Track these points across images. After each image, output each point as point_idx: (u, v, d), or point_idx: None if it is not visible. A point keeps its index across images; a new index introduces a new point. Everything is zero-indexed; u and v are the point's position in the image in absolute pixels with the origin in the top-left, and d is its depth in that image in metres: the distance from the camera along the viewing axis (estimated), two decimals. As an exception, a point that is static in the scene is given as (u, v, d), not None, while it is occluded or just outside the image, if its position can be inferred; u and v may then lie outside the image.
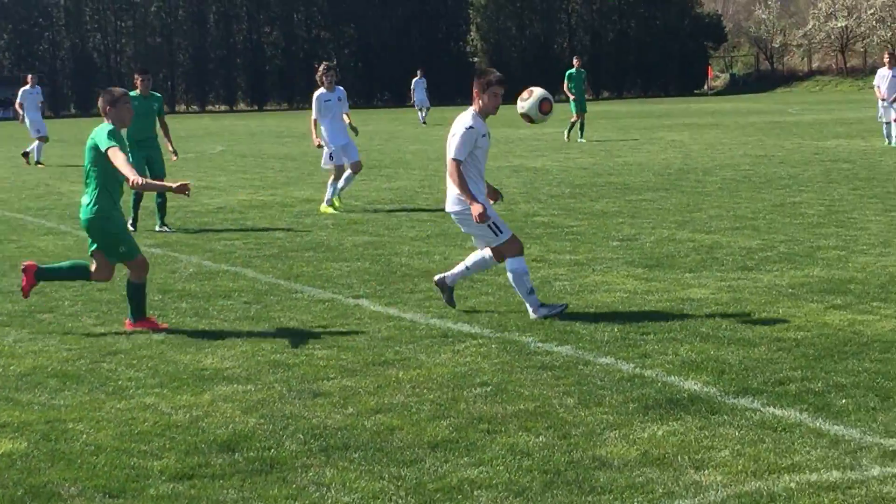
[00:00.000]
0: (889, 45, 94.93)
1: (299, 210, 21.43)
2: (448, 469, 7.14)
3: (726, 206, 19.84)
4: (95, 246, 11.58)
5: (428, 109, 58.90)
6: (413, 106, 62.30)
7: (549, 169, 28.81)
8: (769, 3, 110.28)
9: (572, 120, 39.66)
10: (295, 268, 14.79)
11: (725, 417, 8.01)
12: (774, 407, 8.22)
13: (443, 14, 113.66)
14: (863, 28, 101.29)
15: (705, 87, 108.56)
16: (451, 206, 11.59)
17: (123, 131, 11.91)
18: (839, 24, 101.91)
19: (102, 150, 11.20)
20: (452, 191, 11.51)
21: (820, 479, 6.79)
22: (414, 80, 59.29)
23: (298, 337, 10.88)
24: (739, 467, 7.01)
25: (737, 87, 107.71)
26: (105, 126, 11.42)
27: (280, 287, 13.53)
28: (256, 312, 12.11)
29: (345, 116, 21.35)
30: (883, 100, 33.61)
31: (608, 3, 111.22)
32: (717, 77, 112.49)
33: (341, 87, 21.54)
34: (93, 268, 11.69)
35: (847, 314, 11.13)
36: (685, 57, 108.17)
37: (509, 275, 11.50)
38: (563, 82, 39.74)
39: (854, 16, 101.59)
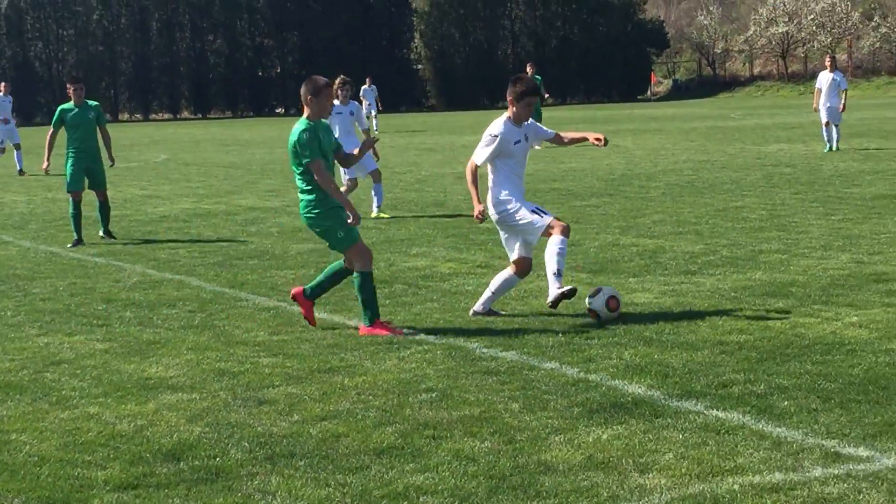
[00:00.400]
0: (829, 50, 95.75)
1: (244, 218, 21.38)
2: (394, 475, 7.15)
3: (669, 211, 19.96)
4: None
5: (376, 116, 58.63)
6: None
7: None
8: (711, 9, 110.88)
9: None
10: (240, 276, 14.75)
11: (669, 420, 8.07)
12: (718, 409, 8.28)
13: (386, 21, 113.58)
14: (803, 33, 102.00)
15: (648, 92, 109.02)
16: (490, 210, 11.79)
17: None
18: (780, 30, 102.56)
19: (303, 163, 11.16)
20: (490, 195, 11.72)
21: (763, 481, 6.84)
22: (363, 88, 59.15)
23: (243, 345, 10.86)
24: (683, 470, 7.06)
25: (679, 92, 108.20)
26: (301, 125, 11.33)
27: (225, 295, 13.49)
28: (201, 321, 12.07)
29: (361, 132, 21.34)
30: (817, 109, 33.87)
31: (551, 9, 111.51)
32: (660, 83, 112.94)
33: (356, 102, 21.52)
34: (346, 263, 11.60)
35: (789, 317, 11.22)
36: (628, 63, 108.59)
37: (552, 248, 11.52)
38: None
39: (795, 21, 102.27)
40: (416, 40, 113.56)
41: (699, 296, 12.49)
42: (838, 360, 9.56)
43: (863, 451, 7.32)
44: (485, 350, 10.32)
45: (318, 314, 12.04)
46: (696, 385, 8.93)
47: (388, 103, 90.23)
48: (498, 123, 11.75)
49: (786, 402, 8.36)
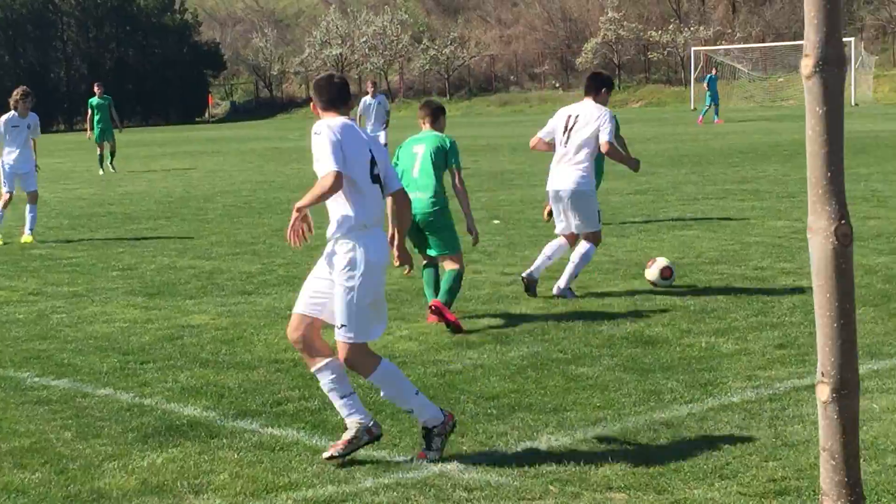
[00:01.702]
0: (382, 72, 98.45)
1: None
2: (-62, 514, 6.89)
3: (227, 232, 20.01)
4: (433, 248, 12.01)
5: None
6: None
7: (48, 200, 28.07)
8: (266, 31, 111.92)
9: (99, 152, 38.00)
10: None
11: (225, 441, 8.10)
12: (272, 427, 8.38)
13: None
14: (356, 56, 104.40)
15: (206, 114, 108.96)
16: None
17: None
18: (334, 52, 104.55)
19: (454, 169, 12.00)
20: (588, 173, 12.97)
21: (316, 495, 6.98)
22: None
23: None
24: (238, 489, 7.11)
25: (238, 114, 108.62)
26: (444, 135, 12.07)
27: None
28: None
29: (32, 143, 20.26)
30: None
31: (105, 31, 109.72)
32: (218, 105, 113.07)
33: (35, 114, 20.40)
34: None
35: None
36: (185, 85, 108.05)
37: (586, 253, 12.92)
38: (86, 112, 38.56)
39: (348, 44, 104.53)
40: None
41: (255, 315, 12.60)
42: (389, 372, 9.83)
43: (411, 460, 7.57)
44: (36, 379, 10.07)
45: None
46: (251, 404, 9.01)
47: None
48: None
49: (338, 417, 8.53)
